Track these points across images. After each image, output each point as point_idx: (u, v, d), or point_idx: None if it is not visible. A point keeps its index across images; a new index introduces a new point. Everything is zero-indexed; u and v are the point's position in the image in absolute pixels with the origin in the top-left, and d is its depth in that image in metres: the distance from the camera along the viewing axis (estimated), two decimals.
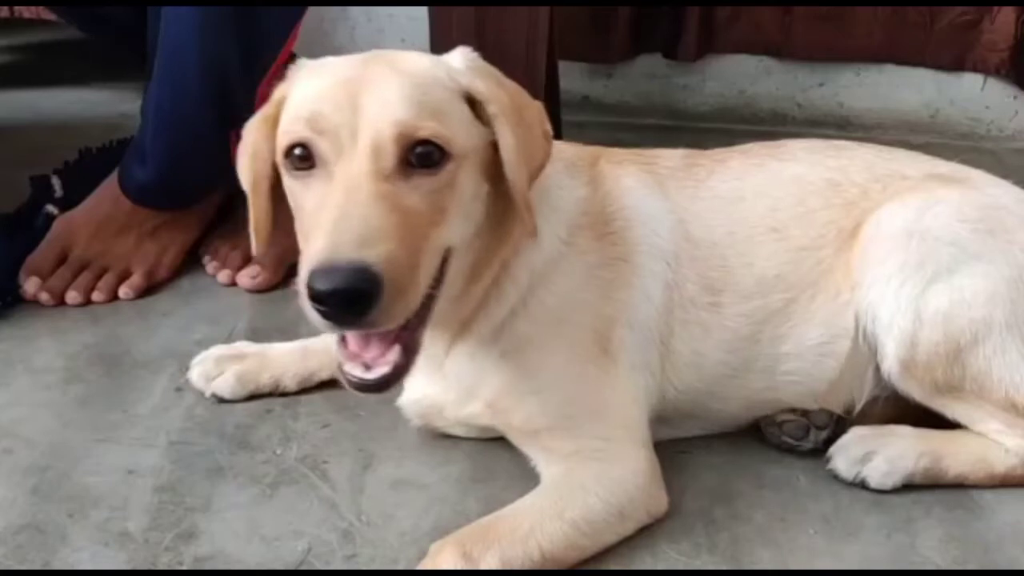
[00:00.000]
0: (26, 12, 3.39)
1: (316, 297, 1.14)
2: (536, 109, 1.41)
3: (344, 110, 1.24)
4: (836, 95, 3.18)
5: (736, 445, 1.61)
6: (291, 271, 2.06)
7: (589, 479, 1.38)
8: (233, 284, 2.10)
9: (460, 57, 1.37)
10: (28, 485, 1.49)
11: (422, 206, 1.23)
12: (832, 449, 1.56)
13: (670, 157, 1.67)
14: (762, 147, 1.72)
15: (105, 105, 3.15)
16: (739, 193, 1.61)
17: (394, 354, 1.26)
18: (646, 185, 1.59)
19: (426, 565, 1.28)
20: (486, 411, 1.47)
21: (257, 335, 1.88)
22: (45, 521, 1.42)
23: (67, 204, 2.15)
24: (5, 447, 1.58)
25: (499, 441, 1.53)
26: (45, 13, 3.27)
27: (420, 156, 1.24)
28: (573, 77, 3.10)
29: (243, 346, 1.78)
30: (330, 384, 1.73)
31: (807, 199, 1.60)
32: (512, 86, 1.40)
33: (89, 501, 1.46)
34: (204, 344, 1.82)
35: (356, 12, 3.19)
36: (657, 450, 1.47)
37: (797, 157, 1.67)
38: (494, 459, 1.55)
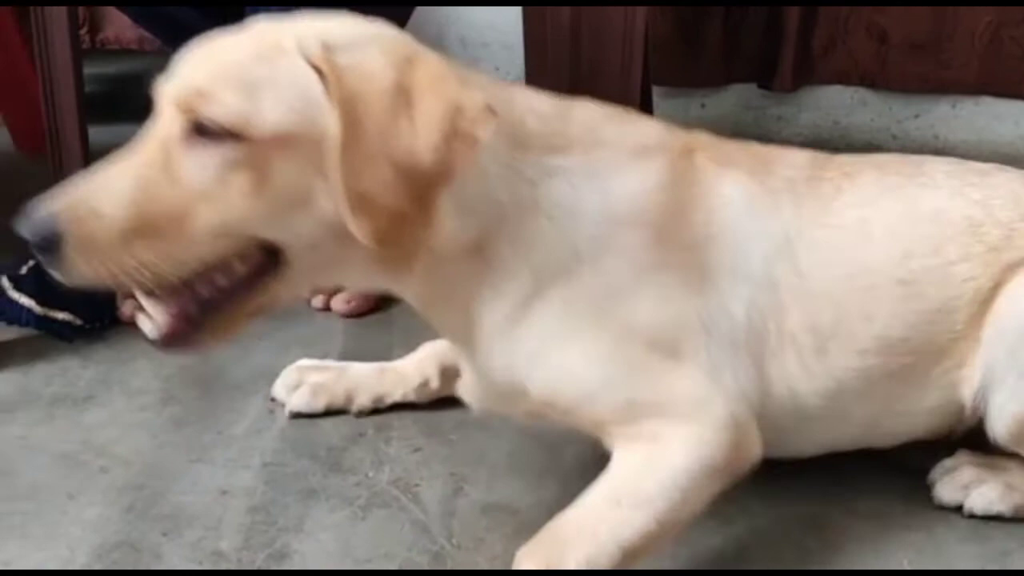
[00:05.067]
0: (111, 42, 3.50)
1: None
2: (439, 105, 1.15)
3: (166, 76, 1.20)
4: (932, 127, 3.13)
5: (829, 472, 1.56)
6: (384, 298, 2.08)
7: (644, 458, 1.30)
8: (327, 309, 2.11)
9: (347, 26, 1.21)
10: (124, 503, 1.50)
11: (195, 182, 1.14)
12: (935, 473, 1.50)
13: (792, 162, 1.45)
14: (899, 162, 1.52)
15: None
16: (867, 228, 1.40)
17: (162, 318, 1.22)
18: (752, 199, 1.38)
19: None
20: (538, 405, 1.36)
21: (349, 359, 1.88)
22: (140, 539, 1.43)
23: None
24: (102, 466, 1.59)
25: (594, 467, 1.50)
26: (130, 42, 3.36)
27: (207, 130, 1.14)
28: (666, 106, 3.09)
29: (327, 362, 1.80)
30: (421, 408, 1.72)
31: (945, 247, 1.39)
32: (394, 71, 1.16)
33: (183, 520, 1.47)
34: None
35: (452, 40, 3.22)
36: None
37: (937, 183, 1.45)
38: (588, 485, 1.52)
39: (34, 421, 1.71)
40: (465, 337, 1.36)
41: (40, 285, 1.99)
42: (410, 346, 1.80)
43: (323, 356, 1.91)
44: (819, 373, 1.38)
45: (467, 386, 1.49)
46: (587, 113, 1.37)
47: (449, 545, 1.41)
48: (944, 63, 3.01)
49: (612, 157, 1.33)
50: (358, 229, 1.13)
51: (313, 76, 1.14)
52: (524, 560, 1.25)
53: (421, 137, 1.13)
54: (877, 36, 3.02)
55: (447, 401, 1.72)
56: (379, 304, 2.11)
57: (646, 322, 1.31)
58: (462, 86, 1.17)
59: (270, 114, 1.14)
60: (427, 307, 1.37)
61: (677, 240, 1.33)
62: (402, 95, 1.14)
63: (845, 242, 1.39)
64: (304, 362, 1.79)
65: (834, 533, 1.46)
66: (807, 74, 3.06)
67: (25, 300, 1.98)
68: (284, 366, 1.86)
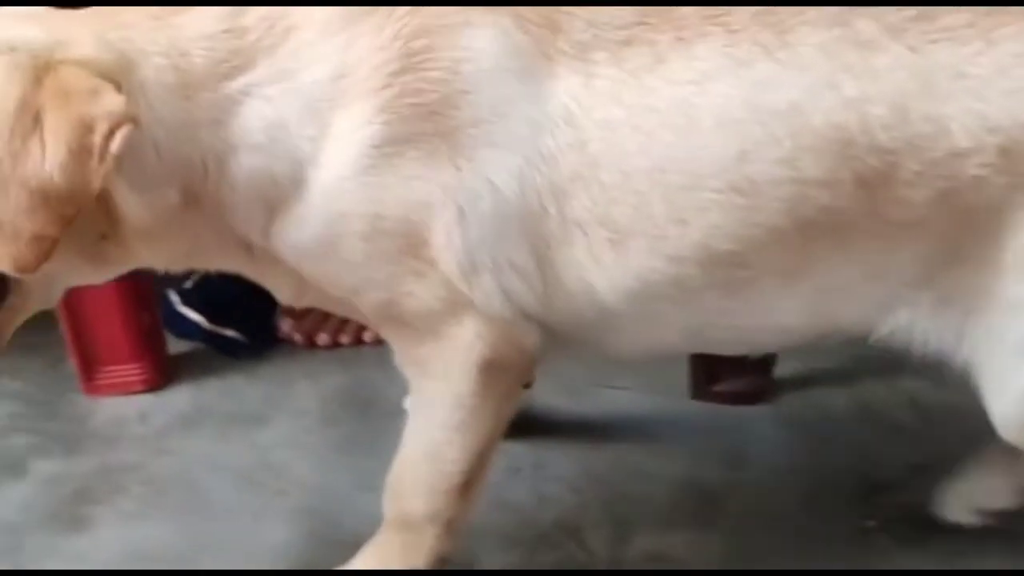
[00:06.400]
0: None
1: None
2: (65, 122, 1.06)
3: None
4: None
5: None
6: None
7: (424, 399, 1.35)
8: None
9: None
10: (304, 528, 1.59)
11: None
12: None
13: (599, 20, 1.18)
14: (762, 23, 1.16)
15: None
16: (690, 113, 1.14)
17: None
18: (514, 54, 1.17)
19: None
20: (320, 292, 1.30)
21: None
22: (327, 566, 1.49)
23: None
24: (279, 488, 1.69)
25: (756, 519, 1.57)
26: None
27: None
28: None
29: None
30: (574, 444, 1.79)
31: (800, 158, 1.13)
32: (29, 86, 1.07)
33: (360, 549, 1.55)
34: None
35: None
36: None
37: (803, 61, 1.13)
38: (750, 537, 1.58)
39: (213, 438, 1.82)
40: (251, 262, 1.29)
41: (207, 300, 2.10)
42: (552, 378, 1.87)
43: None
44: (618, 270, 1.20)
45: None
46: (264, 7, 1.19)
47: None
48: None
49: (303, 42, 1.16)
50: None
51: None
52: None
53: (49, 158, 1.06)
54: None
55: (601, 437, 1.78)
56: None
57: (392, 212, 1.18)
58: (92, 96, 1.08)
59: None
60: (184, 263, 1.31)
61: (413, 104, 1.15)
62: (29, 114, 1.06)
63: (653, 127, 1.15)
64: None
65: None
66: None
67: (194, 315, 2.09)
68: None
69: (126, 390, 1.94)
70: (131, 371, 1.94)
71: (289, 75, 1.15)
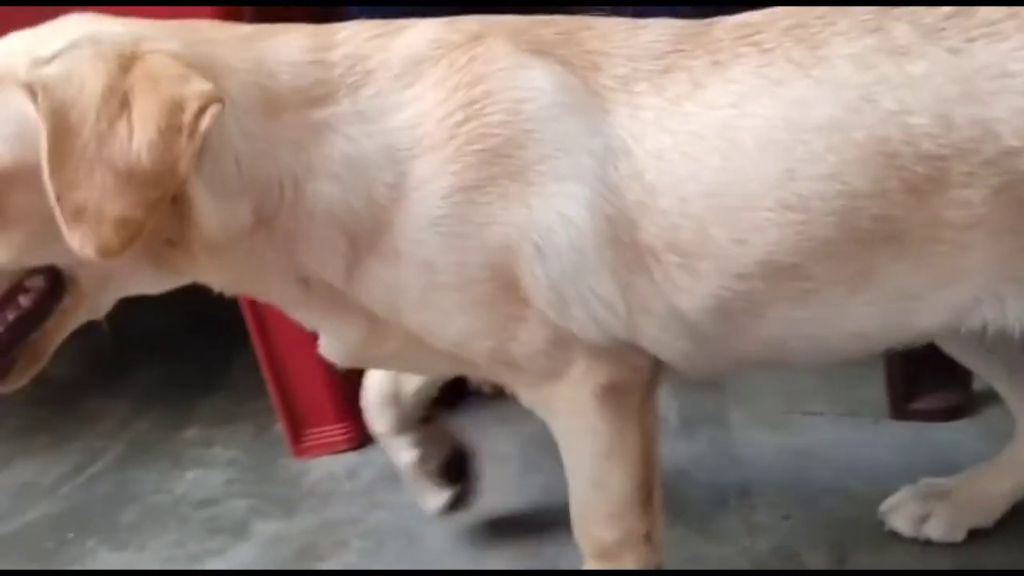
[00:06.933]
0: None
1: None
2: (155, 103, 1.09)
3: None
4: None
5: None
6: None
7: (567, 432, 1.35)
8: None
9: (65, 32, 1.15)
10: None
11: None
12: (884, 507, 1.58)
13: (636, 52, 1.22)
14: (795, 38, 1.18)
15: None
16: (733, 136, 1.16)
17: None
18: (568, 90, 1.20)
19: None
20: (408, 342, 1.31)
21: (686, 422, 1.97)
22: None
23: None
24: (493, 533, 1.74)
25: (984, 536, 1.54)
26: None
27: None
28: None
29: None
30: (778, 472, 1.79)
31: (845, 172, 1.14)
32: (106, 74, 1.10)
33: None
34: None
35: None
36: None
37: (838, 77, 1.15)
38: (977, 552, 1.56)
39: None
40: (306, 301, 1.31)
41: None
42: (746, 408, 1.88)
43: (662, 421, 1.99)
44: (695, 292, 1.21)
45: (326, 346, 1.41)
46: (350, 44, 1.23)
47: None
48: None
49: (381, 89, 1.21)
50: (76, 242, 1.09)
51: (25, 98, 1.11)
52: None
53: (137, 138, 1.08)
54: None
55: (804, 463, 1.78)
56: None
57: (474, 259, 1.21)
58: (182, 80, 1.11)
59: None
60: (239, 288, 1.33)
61: (479, 151, 1.18)
62: (116, 97, 1.09)
63: (701, 152, 1.17)
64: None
65: None
66: None
67: None
68: None
69: (333, 449, 2.03)
70: (337, 431, 2.03)
71: (369, 119, 1.19)
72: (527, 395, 1.36)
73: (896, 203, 1.14)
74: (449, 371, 1.47)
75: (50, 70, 1.10)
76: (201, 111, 1.09)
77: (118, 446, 2.17)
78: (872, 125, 1.13)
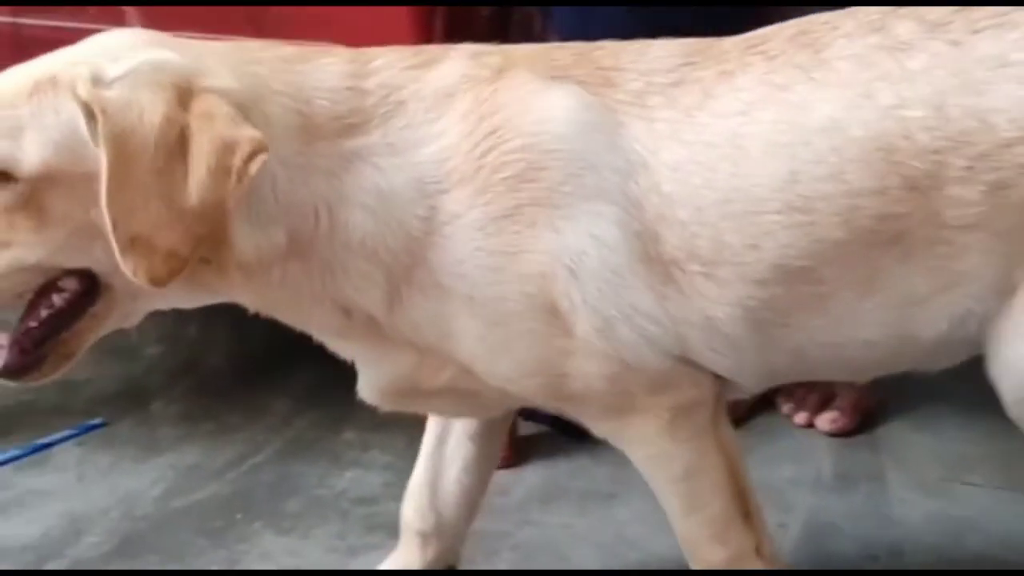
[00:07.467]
0: None
1: None
2: (210, 143, 1.13)
3: None
4: None
5: None
6: (869, 417, 2.16)
7: (648, 461, 1.35)
8: (810, 426, 2.19)
9: (129, 54, 1.19)
10: None
11: None
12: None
13: (647, 67, 1.25)
14: (801, 44, 1.23)
15: None
16: (741, 143, 1.19)
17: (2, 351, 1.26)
18: (588, 111, 1.23)
19: None
20: (463, 374, 1.31)
21: (841, 479, 1.98)
22: None
23: None
24: (640, 560, 1.79)
25: None
26: None
27: None
28: None
29: None
30: (932, 538, 1.79)
31: (845, 170, 1.16)
32: (162, 107, 1.14)
33: None
34: (795, 482, 1.96)
35: None
36: None
37: (839, 78, 1.18)
38: None
39: (571, 512, 1.95)
40: (349, 332, 1.32)
41: None
42: (904, 471, 1.88)
43: (815, 474, 2.02)
44: (723, 300, 1.22)
45: (364, 386, 1.40)
46: (384, 74, 1.26)
47: None
48: None
49: (411, 122, 1.23)
50: (130, 270, 1.13)
51: (79, 113, 1.14)
52: None
53: (191, 175, 1.12)
54: None
55: (957, 531, 1.77)
56: (865, 423, 2.18)
57: (510, 291, 1.23)
58: (234, 122, 1.15)
59: (34, 153, 1.15)
60: (274, 313, 1.33)
61: (504, 179, 1.21)
62: (174, 131, 1.13)
63: (713, 160, 1.19)
64: None
65: None
66: None
67: None
68: (772, 481, 1.96)
69: None
70: None
71: (398, 152, 1.22)
72: (597, 428, 1.38)
73: (896, 200, 1.16)
74: (512, 405, 1.48)
75: (111, 94, 1.13)
76: (252, 156, 1.13)
77: (279, 441, 2.26)
78: (869, 121, 1.15)
